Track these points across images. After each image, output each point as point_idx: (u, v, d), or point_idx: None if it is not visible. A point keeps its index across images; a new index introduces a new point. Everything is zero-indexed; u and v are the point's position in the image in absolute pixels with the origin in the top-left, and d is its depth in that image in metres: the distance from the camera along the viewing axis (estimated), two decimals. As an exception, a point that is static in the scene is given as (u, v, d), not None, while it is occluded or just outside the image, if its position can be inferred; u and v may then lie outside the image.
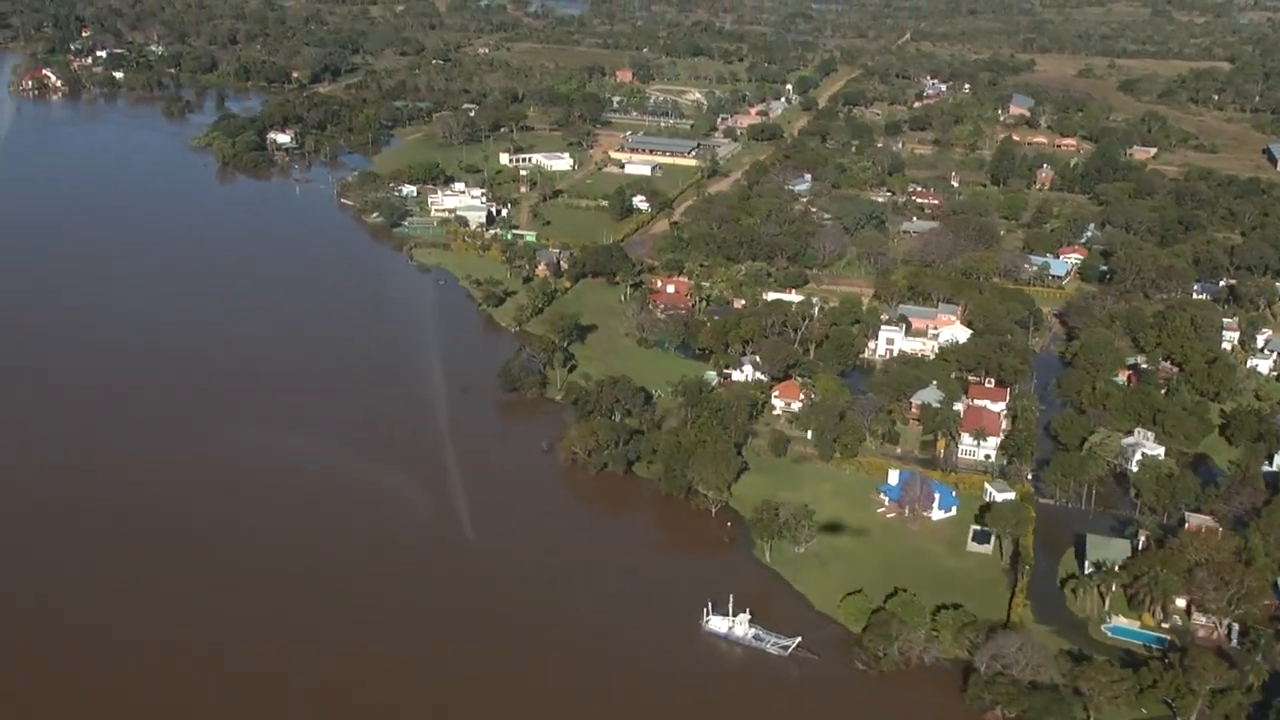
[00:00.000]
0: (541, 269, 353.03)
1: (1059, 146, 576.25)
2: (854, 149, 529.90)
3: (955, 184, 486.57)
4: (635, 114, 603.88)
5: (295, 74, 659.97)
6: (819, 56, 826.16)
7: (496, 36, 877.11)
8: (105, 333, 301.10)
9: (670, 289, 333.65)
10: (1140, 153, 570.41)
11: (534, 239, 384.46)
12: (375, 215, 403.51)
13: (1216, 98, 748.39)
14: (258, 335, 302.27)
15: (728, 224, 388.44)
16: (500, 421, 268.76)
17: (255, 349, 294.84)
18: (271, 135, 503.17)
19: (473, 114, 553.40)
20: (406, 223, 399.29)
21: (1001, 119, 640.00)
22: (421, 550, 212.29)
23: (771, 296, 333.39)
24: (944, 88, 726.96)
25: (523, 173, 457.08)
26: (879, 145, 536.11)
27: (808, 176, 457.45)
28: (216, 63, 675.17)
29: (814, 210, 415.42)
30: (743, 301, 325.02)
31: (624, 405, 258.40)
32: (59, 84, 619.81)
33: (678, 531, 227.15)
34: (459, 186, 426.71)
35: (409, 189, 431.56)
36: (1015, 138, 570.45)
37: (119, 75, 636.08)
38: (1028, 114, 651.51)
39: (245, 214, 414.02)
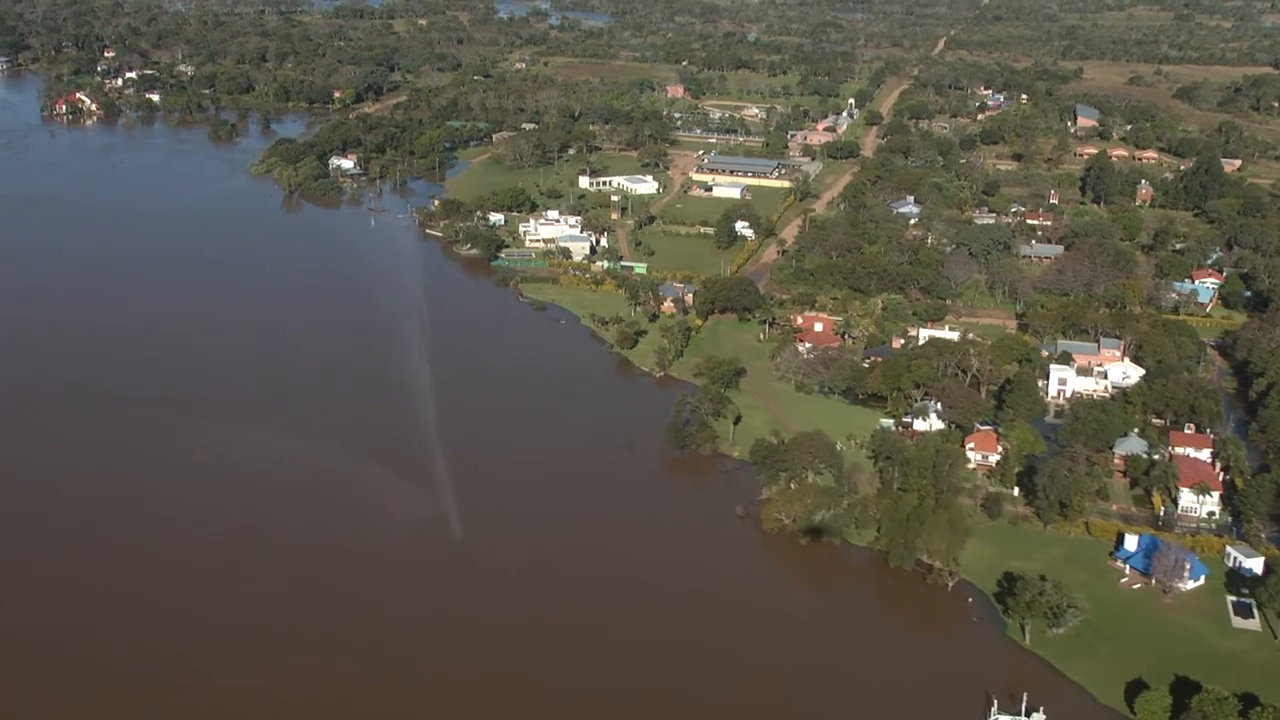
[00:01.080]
0: (668, 305, 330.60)
1: (1139, 159, 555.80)
2: (940, 166, 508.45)
3: (1054, 202, 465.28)
4: (699, 131, 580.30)
5: (337, 94, 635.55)
6: (864, 67, 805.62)
7: (529, 50, 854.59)
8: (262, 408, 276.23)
9: (818, 327, 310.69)
10: (1226, 165, 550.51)
11: (645, 270, 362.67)
12: (468, 247, 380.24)
13: (1278, 104, 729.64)
14: (396, 399, 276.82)
15: (850, 253, 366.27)
16: (678, 483, 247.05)
17: (398, 413, 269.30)
18: (334, 160, 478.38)
19: (534, 134, 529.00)
20: (503, 254, 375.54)
21: (1073, 131, 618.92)
22: (627, 636, 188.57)
23: (926, 334, 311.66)
24: (1001, 98, 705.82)
25: (614, 198, 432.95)
26: (964, 162, 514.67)
27: (910, 198, 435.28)
28: (253, 83, 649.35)
29: (930, 236, 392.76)
30: (902, 340, 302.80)
31: (818, 463, 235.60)
32: (94, 108, 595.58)
33: (915, 609, 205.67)
34: (552, 214, 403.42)
35: (496, 217, 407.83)
36: (1093, 151, 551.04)
37: (154, 98, 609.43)
38: (1097, 125, 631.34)
39: (330, 249, 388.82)
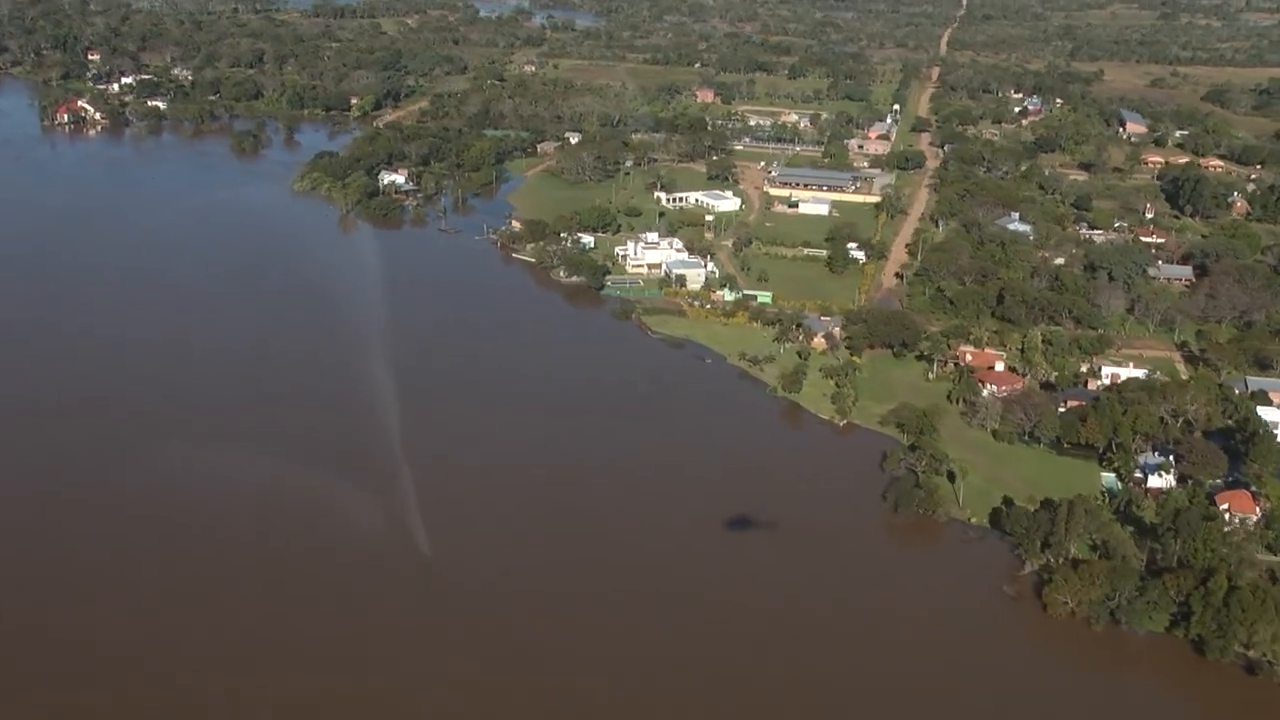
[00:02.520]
0: (819, 341, 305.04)
1: (1208, 168, 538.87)
2: (1019, 177, 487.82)
3: (1150, 215, 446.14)
4: (747, 140, 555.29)
5: (354, 100, 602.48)
6: (883, 69, 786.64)
7: (530, 52, 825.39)
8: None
9: (999, 366, 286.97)
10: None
11: (770, 299, 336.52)
12: (569, 274, 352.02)
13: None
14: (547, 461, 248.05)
15: (987, 278, 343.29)
16: (915, 554, 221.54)
17: (554, 477, 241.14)
18: (384, 175, 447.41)
19: (593, 145, 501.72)
20: (609, 282, 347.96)
21: (1124, 137, 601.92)
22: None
23: (1109, 372, 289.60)
24: (1038, 102, 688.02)
25: (708, 217, 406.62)
26: (1048, 173, 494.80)
27: (1015, 215, 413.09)
28: (260, 89, 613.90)
29: (1061, 257, 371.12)
30: (1099, 381, 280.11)
31: (1086, 533, 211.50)
32: (98, 117, 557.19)
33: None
34: (652, 236, 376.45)
35: (586, 239, 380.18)
36: (1158, 159, 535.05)
37: (159, 105, 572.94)
38: (1147, 131, 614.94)
39: (414, 279, 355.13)
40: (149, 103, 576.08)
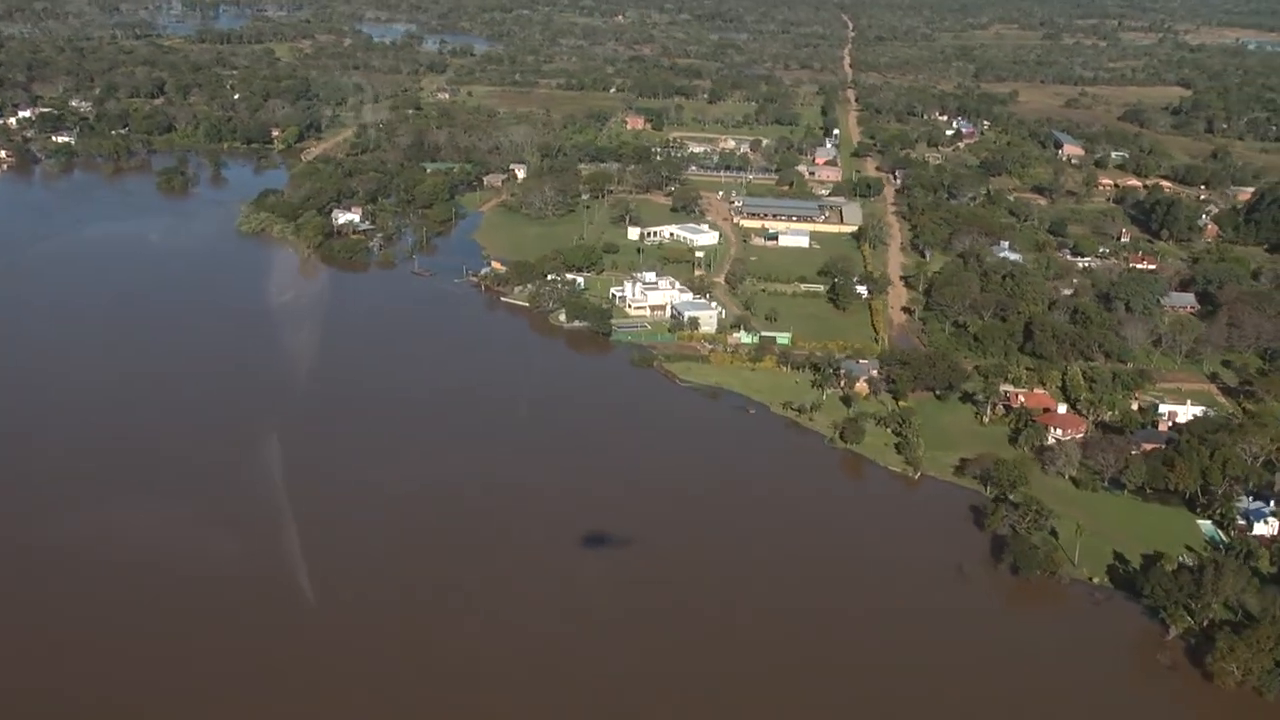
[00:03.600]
0: (861, 385, 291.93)
1: (1146, 188, 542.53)
2: (985, 202, 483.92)
3: (1126, 240, 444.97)
4: (694, 169, 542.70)
5: (276, 132, 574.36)
6: (798, 92, 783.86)
7: (437, 79, 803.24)
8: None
9: (1063, 408, 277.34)
10: (1241, 193, 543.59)
11: (789, 340, 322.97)
12: (571, 319, 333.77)
13: (1226, 126, 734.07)
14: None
15: (1008, 313, 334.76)
16: (1044, 620, 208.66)
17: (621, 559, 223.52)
18: (339, 215, 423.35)
19: (534, 177, 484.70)
20: (615, 325, 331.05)
21: (1063, 159, 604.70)
22: None
23: (1166, 410, 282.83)
24: (968, 124, 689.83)
25: (698, 254, 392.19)
26: (1012, 199, 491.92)
27: (1005, 244, 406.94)
28: (172, 121, 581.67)
29: (1068, 289, 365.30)
30: (1168, 422, 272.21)
31: (1232, 593, 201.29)
32: (3, 155, 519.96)
33: None
34: (649, 276, 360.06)
35: (577, 280, 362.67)
36: (1108, 182, 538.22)
37: (70, 140, 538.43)
38: (1082, 153, 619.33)
39: (397, 330, 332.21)
40: (54, 138, 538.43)
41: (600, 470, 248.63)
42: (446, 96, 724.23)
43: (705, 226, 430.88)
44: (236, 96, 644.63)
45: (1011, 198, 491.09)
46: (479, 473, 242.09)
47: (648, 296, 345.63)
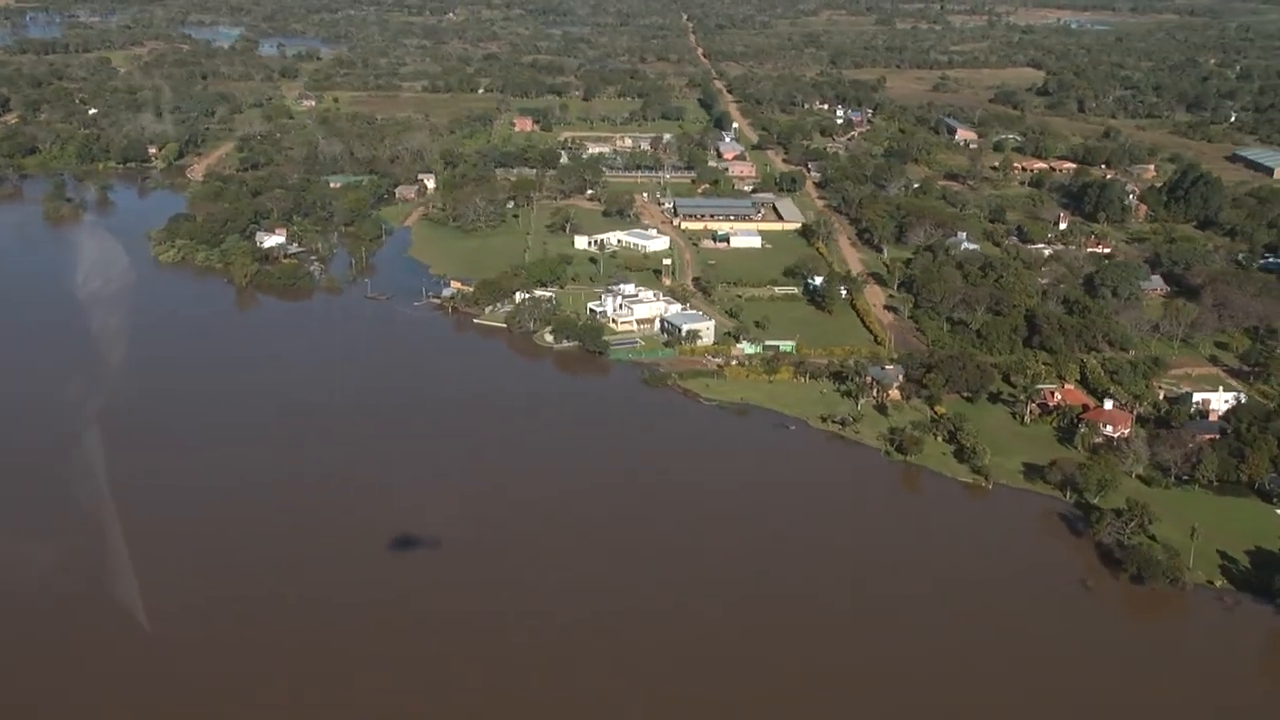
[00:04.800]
0: (894, 393, 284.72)
1: (1056, 170, 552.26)
2: (917, 192, 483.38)
3: (1064, 225, 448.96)
4: (607, 170, 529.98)
5: (154, 149, 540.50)
6: (668, 85, 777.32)
7: (292, 84, 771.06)
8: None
9: (1109, 404, 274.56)
10: (1145, 171, 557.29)
11: (793, 348, 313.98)
12: (560, 340, 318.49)
13: (1095, 105, 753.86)
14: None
15: (1002, 306, 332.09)
16: (1189, 631, 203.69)
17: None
18: (264, 238, 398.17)
19: (454, 186, 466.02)
20: (612, 344, 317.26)
21: (966, 145, 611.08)
22: None
23: (1199, 398, 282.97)
24: (858, 112, 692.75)
25: (666, 261, 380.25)
26: (939, 186, 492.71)
27: (964, 235, 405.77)
28: (35, 142, 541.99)
29: (1046, 277, 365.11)
30: (1209, 399, 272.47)
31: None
32: None
33: None
34: (629, 288, 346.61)
35: (545, 294, 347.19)
36: (1019, 167, 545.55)
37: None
38: (976, 137, 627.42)
39: (380, 361, 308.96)
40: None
41: (669, 502, 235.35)
42: (313, 104, 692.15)
43: (653, 232, 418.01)
44: (92, 111, 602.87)
45: (939, 186, 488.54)
46: (560, 513, 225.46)
47: (633, 310, 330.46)
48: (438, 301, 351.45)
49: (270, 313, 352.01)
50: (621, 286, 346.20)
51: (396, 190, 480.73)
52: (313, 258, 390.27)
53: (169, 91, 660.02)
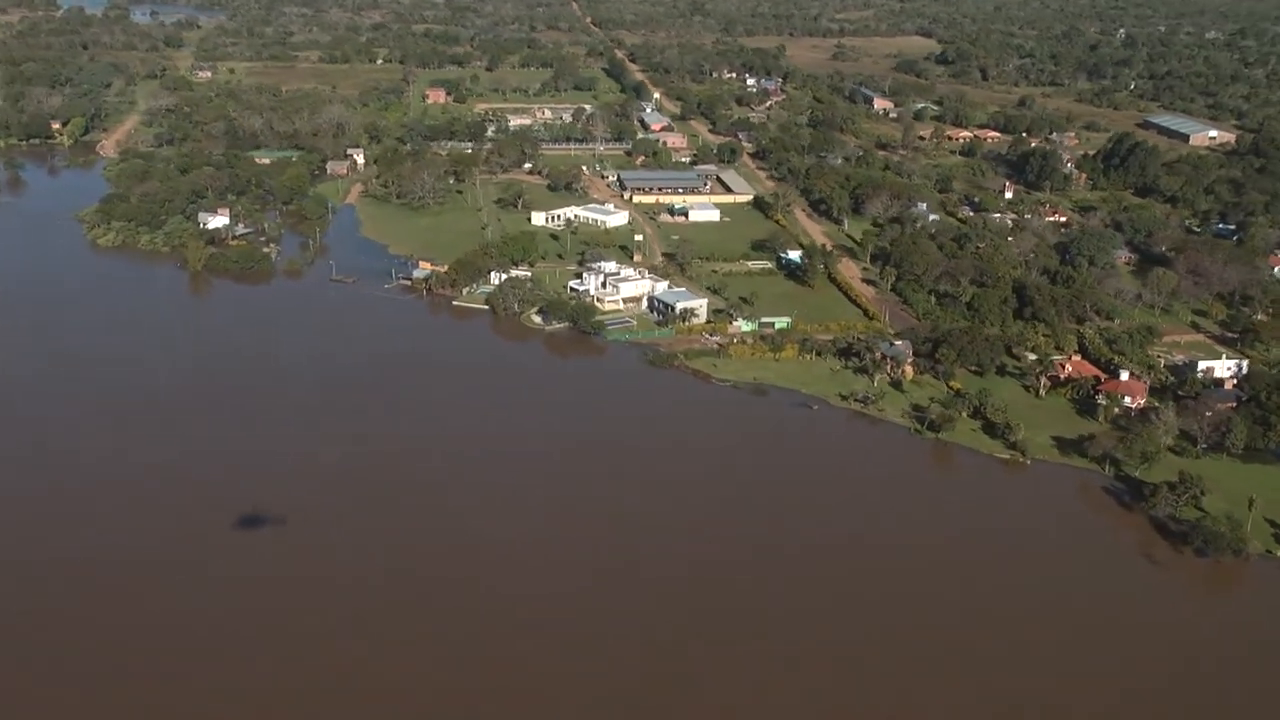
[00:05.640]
0: (909, 369, 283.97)
1: (989, 140, 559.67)
2: (860, 162, 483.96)
3: (1010, 194, 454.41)
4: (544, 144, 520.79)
5: (56, 125, 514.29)
6: (567, 54, 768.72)
7: (177, 54, 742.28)
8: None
9: (1124, 375, 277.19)
10: (1068, 138, 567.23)
11: (788, 324, 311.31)
12: (549, 322, 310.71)
13: (997, 73, 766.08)
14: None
15: (989, 278, 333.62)
16: (1267, 604, 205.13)
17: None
18: (208, 219, 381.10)
19: (392, 162, 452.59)
20: (607, 324, 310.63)
21: (891, 115, 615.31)
22: None
23: (1205, 365, 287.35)
24: (771, 82, 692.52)
25: (637, 238, 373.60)
26: (897, 158, 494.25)
27: (923, 205, 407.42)
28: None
29: (1017, 247, 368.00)
30: (1212, 367, 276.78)
31: None
32: None
33: None
34: (610, 266, 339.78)
35: (522, 274, 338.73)
36: (957, 135, 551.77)
37: None
38: (894, 107, 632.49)
39: (365, 352, 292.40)
40: None
41: (715, 497, 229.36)
42: (209, 75, 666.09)
43: (610, 206, 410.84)
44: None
45: (880, 156, 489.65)
46: (613, 511, 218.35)
47: (619, 288, 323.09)
48: (408, 283, 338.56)
49: (232, 298, 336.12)
50: (602, 264, 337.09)
51: (327, 166, 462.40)
52: (262, 239, 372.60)
53: (52, 62, 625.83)
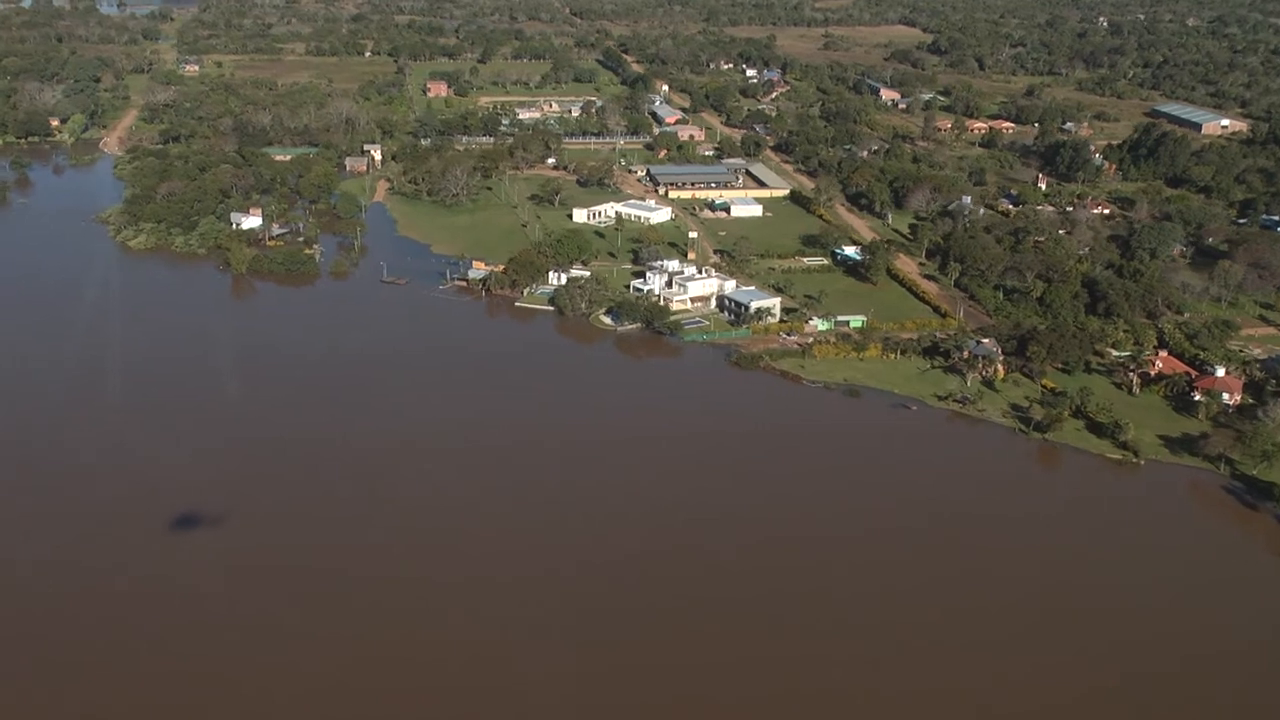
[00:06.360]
0: (1001, 368, 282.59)
1: (1006, 129, 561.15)
2: (888, 154, 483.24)
3: (1044, 186, 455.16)
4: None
5: (55, 123, 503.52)
6: (559, 44, 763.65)
7: (152, 47, 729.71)
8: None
9: (1221, 372, 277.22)
10: (1082, 129, 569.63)
11: (862, 324, 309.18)
12: (620, 322, 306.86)
13: (993, 63, 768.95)
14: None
15: (1057, 274, 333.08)
16: None
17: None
18: (241, 219, 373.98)
19: (420, 157, 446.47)
20: (686, 328, 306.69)
21: (899, 106, 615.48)
22: None
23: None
24: (773, 73, 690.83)
25: (692, 235, 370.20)
26: (924, 147, 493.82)
27: (967, 199, 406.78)
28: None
29: (1076, 239, 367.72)
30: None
31: None
32: None
33: None
34: (673, 264, 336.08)
35: (582, 273, 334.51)
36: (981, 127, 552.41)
37: None
38: (900, 98, 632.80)
39: (446, 358, 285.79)
40: None
41: (849, 503, 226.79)
42: (196, 69, 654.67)
43: (652, 203, 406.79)
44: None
45: (908, 149, 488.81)
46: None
47: (686, 288, 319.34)
48: (464, 284, 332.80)
49: (287, 302, 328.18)
50: (665, 263, 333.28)
51: (346, 163, 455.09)
52: (300, 239, 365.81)
53: (34, 56, 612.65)
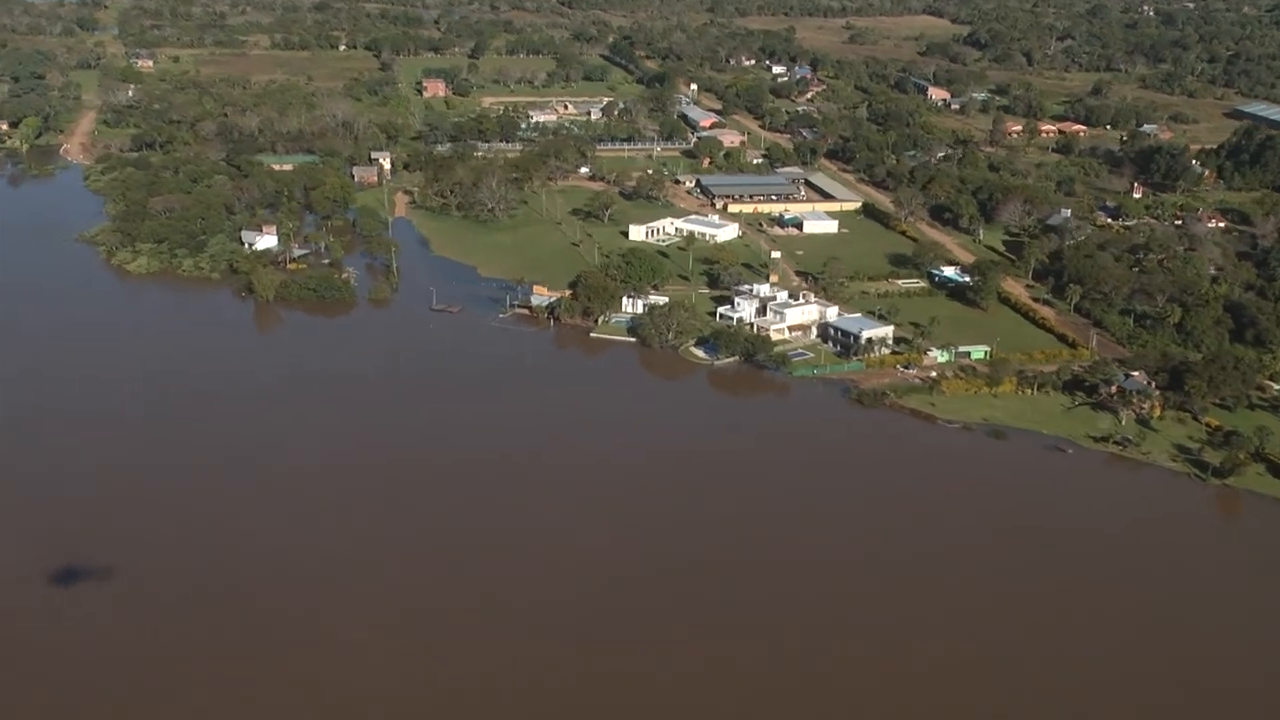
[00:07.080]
0: (1156, 405, 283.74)
1: (1079, 133, 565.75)
2: (959, 160, 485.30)
3: (1139, 195, 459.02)
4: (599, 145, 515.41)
5: (4, 126, 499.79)
6: (542, 36, 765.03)
7: (98, 39, 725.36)
8: None
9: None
10: (1162, 131, 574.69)
11: (984, 355, 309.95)
12: (715, 355, 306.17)
13: (1041, 58, 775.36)
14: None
15: (1191, 296, 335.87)
16: None
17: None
18: (254, 239, 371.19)
19: (444, 167, 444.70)
20: (794, 361, 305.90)
21: (951, 106, 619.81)
22: None
23: None
24: (805, 70, 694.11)
25: (774, 254, 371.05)
26: (982, 155, 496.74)
27: (1066, 212, 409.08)
28: None
29: (1199, 259, 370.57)
30: None
31: None
32: None
33: None
34: (764, 289, 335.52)
35: (659, 300, 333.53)
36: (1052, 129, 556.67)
37: None
38: (950, 96, 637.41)
39: (532, 403, 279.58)
40: None
41: (1026, 560, 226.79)
42: (151, 64, 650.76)
43: (716, 218, 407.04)
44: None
45: (983, 154, 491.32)
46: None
47: (784, 315, 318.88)
48: (525, 311, 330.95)
49: (329, 335, 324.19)
50: (755, 288, 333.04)
51: (354, 173, 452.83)
52: (324, 261, 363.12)
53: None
